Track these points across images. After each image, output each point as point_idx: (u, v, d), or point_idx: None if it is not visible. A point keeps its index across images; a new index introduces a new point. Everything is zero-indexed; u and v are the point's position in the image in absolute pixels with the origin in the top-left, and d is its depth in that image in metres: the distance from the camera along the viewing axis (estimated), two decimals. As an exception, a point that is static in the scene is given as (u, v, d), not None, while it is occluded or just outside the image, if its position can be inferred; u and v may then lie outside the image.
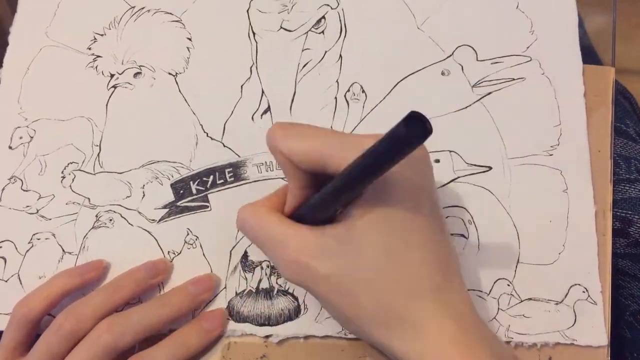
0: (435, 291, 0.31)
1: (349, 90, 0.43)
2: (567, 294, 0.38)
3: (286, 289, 0.40)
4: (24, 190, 0.42)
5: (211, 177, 0.42)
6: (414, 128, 0.24)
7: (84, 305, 0.37)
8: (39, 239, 0.41)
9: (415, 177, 0.32)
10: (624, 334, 0.49)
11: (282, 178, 0.41)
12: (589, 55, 0.44)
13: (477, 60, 0.43)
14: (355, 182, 0.29)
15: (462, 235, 0.40)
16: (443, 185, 0.41)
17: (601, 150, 0.41)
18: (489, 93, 0.42)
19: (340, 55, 0.44)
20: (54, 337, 0.36)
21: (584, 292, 0.38)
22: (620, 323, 0.49)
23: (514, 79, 0.42)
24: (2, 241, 0.41)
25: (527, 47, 0.43)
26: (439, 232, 0.33)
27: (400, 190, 0.31)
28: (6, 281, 0.41)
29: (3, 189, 0.42)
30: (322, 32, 0.44)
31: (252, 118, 0.43)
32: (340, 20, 0.44)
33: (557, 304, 0.38)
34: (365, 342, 0.38)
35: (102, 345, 0.35)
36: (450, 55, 0.43)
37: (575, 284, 0.38)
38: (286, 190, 0.35)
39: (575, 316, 0.38)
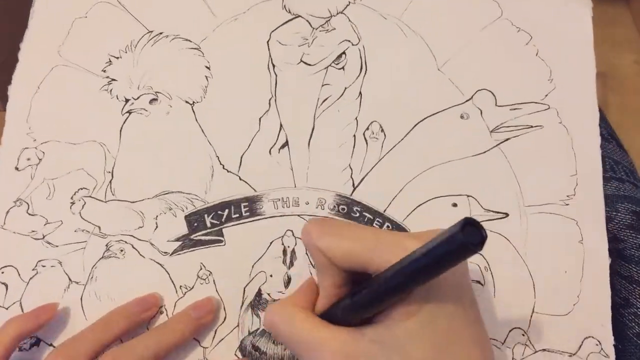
0: None
1: (367, 129, 0.43)
2: (580, 346, 0.39)
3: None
4: (30, 214, 0.41)
5: (226, 210, 0.41)
6: (471, 235, 0.23)
7: (75, 343, 0.36)
8: (44, 266, 0.40)
9: (455, 273, 0.30)
10: None
11: (299, 215, 0.41)
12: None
13: (496, 105, 0.43)
14: (403, 285, 0.28)
15: (479, 282, 0.40)
16: None
17: None
18: (507, 139, 0.42)
19: (360, 93, 0.43)
20: None
21: (597, 344, 0.39)
22: None
23: (532, 127, 0.43)
24: (4, 266, 0.40)
25: (546, 95, 0.43)
26: (480, 326, 0.32)
27: (443, 289, 0.30)
28: (7, 309, 0.39)
29: (7, 212, 0.41)
30: (343, 67, 0.44)
31: (270, 152, 0.42)
32: (360, 57, 0.44)
33: (570, 355, 0.39)
34: None
35: None
36: (470, 99, 0.43)
37: (589, 337, 0.39)
38: (313, 284, 0.35)
39: (589, 369, 0.38)
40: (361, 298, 0.30)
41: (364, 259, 0.30)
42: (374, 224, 0.41)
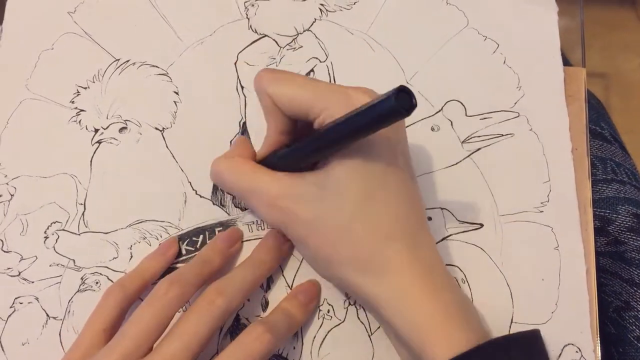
0: (409, 237, 0.34)
1: (339, 146, 0.43)
2: (560, 354, 0.39)
3: (280, 353, 0.39)
4: (5, 252, 0.40)
5: (201, 236, 0.41)
6: (403, 101, 0.26)
7: (183, 274, 0.36)
8: (21, 303, 0.40)
9: (391, 131, 0.33)
10: (609, 330, 0.50)
11: (274, 237, 0.41)
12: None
13: (466, 115, 0.43)
14: (339, 140, 0.31)
15: (456, 295, 0.40)
16: (436, 243, 0.40)
17: (578, 148, 0.43)
18: (479, 149, 0.42)
19: (330, 110, 0.43)
20: (159, 302, 0.35)
21: (577, 352, 0.39)
22: (604, 320, 0.50)
23: (502, 135, 0.43)
24: (-19, 305, 0.40)
25: (515, 103, 0.43)
26: (412, 183, 0.36)
27: (378, 142, 0.33)
28: (-14, 347, 0.39)
29: (-18, 250, 0.41)
30: (311, 85, 0.44)
31: (242, 175, 0.42)
32: (329, 74, 0.44)
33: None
34: (335, 286, 0.40)
35: (218, 308, 0.34)
36: (440, 111, 0.43)
37: (569, 344, 0.39)
38: (247, 140, 0.39)
39: (570, 376, 0.38)
40: (300, 146, 0.34)
41: (307, 105, 0.34)
42: (350, 242, 0.41)
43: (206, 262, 0.38)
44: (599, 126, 0.58)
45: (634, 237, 0.50)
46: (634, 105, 1.29)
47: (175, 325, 0.34)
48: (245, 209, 0.41)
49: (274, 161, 0.36)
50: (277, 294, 0.40)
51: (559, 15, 0.45)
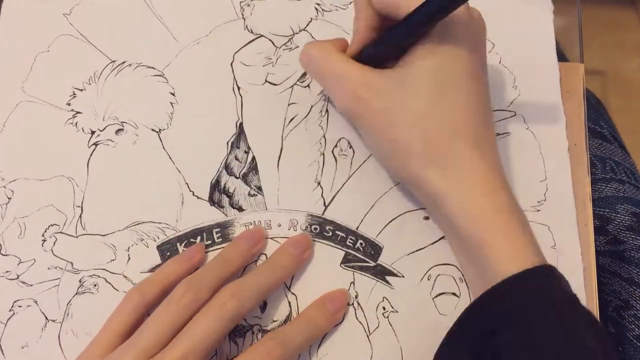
0: (475, 133, 0.36)
1: (336, 146, 0.43)
2: (558, 352, 0.39)
3: (278, 353, 0.39)
4: (3, 255, 0.40)
5: (198, 238, 0.41)
6: None
7: (200, 278, 0.37)
8: (20, 307, 0.40)
9: (474, 28, 0.36)
10: (608, 329, 0.50)
11: (272, 238, 0.41)
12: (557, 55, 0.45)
13: (462, 114, 0.43)
14: (425, 19, 0.33)
15: (454, 294, 0.40)
16: (434, 243, 0.41)
17: (577, 144, 0.43)
18: (476, 148, 0.42)
19: (327, 110, 0.43)
20: (175, 307, 0.35)
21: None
22: (603, 319, 0.51)
23: (499, 134, 0.43)
24: (-20, 308, 0.40)
25: (511, 102, 0.43)
26: (485, 84, 0.38)
27: (460, 39, 0.35)
28: (-14, 350, 0.39)
29: (-20, 253, 0.41)
30: (308, 85, 0.44)
31: (240, 175, 0.42)
32: (325, 74, 0.44)
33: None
34: (396, 177, 0.41)
35: (229, 310, 0.35)
36: (436, 110, 0.43)
37: (566, 342, 0.39)
38: (344, 39, 0.40)
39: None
40: (388, 34, 0.36)
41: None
42: (347, 242, 0.41)
43: (227, 261, 0.38)
44: (599, 125, 0.58)
45: (633, 236, 0.51)
46: (634, 105, 1.28)
47: (187, 326, 0.35)
48: (243, 210, 0.41)
49: (364, 55, 0.38)
50: (275, 294, 0.40)
51: (557, 14, 0.45)
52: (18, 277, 0.40)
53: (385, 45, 0.37)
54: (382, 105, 0.36)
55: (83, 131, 0.43)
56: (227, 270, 0.38)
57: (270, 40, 0.45)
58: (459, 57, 0.35)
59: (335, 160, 0.42)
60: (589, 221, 0.41)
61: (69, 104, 0.43)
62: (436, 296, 0.40)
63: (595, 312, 0.40)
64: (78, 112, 0.43)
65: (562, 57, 0.45)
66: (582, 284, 0.40)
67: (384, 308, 0.40)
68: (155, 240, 0.41)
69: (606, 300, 0.51)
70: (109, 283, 0.40)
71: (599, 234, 0.50)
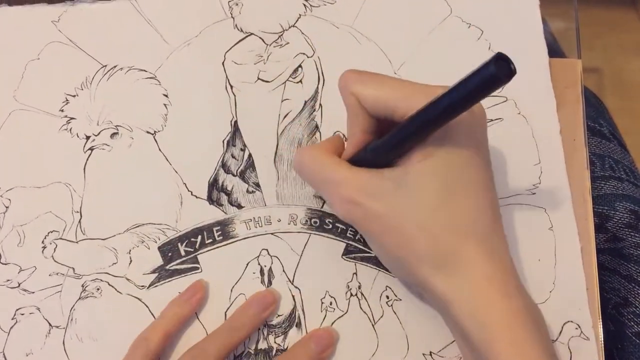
0: (485, 235, 0.33)
1: (331, 140, 0.43)
2: (560, 332, 0.39)
3: (285, 347, 0.39)
4: (3, 264, 0.40)
5: (199, 237, 0.41)
6: (502, 68, 0.27)
7: (204, 347, 0.37)
8: (23, 314, 0.40)
9: (475, 126, 0.34)
10: (608, 327, 0.50)
11: (272, 234, 0.41)
12: (555, 53, 0.45)
13: (455, 102, 0.43)
14: (430, 121, 0.31)
15: (455, 280, 0.40)
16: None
17: (576, 139, 0.43)
18: (469, 135, 0.43)
19: (320, 104, 0.44)
20: None
21: (576, 328, 0.39)
22: (602, 317, 0.51)
23: (492, 120, 0.43)
24: (-18, 318, 0.40)
25: (502, 87, 0.44)
26: (491, 181, 0.35)
27: (462, 138, 0.33)
28: (-10, 360, 0.39)
29: (-20, 263, 0.40)
30: (300, 81, 0.44)
31: (237, 173, 0.42)
32: (317, 69, 0.44)
33: (552, 342, 0.39)
34: (403, 283, 0.40)
35: None
36: (429, 99, 0.44)
37: (568, 321, 0.39)
38: (340, 138, 0.39)
39: (571, 353, 0.39)
40: (386, 138, 0.34)
41: (393, 104, 0.33)
42: (348, 234, 0.41)
43: (235, 330, 0.38)
44: (598, 123, 0.58)
45: (632, 234, 0.51)
46: (634, 105, 1.29)
47: None
48: (242, 207, 0.41)
49: (360, 159, 0.36)
50: (279, 289, 0.40)
51: (556, 14, 0.46)
52: (19, 285, 0.40)
53: (383, 148, 0.34)
54: (380, 209, 0.33)
55: (78, 137, 0.43)
56: (236, 336, 0.38)
57: (260, 38, 0.45)
58: (462, 155, 0.33)
59: (331, 153, 0.43)
60: (588, 215, 0.41)
61: (62, 111, 0.43)
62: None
63: (596, 294, 0.40)
64: (72, 118, 0.43)
65: (561, 56, 0.45)
66: (581, 264, 0.40)
67: (387, 297, 0.40)
68: (156, 242, 0.41)
69: (606, 298, 0.51)
70: (112, 286, 0.40)
71: (598, 232, 0.50)
